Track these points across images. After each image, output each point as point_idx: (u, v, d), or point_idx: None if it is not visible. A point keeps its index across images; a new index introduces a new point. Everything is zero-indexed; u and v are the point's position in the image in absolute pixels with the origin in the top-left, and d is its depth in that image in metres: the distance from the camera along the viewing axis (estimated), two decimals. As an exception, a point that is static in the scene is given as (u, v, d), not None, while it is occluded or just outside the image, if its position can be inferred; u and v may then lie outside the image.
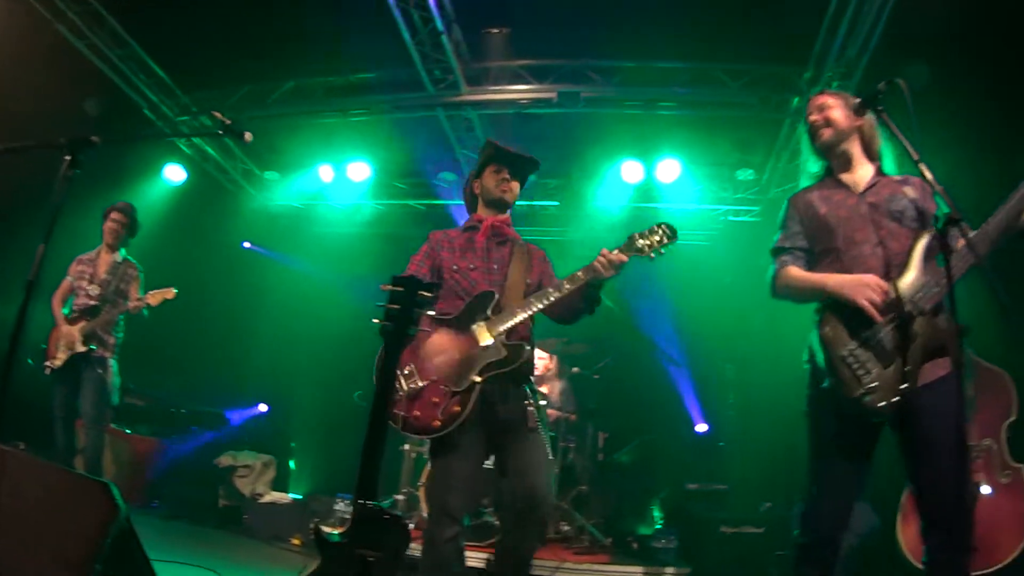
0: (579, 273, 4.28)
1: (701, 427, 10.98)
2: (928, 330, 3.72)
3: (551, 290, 4.33)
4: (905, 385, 3.66)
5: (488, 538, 7.11)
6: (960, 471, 3.65)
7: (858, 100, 3.94)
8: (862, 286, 3.81)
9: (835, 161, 4.32)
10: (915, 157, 3.47)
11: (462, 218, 4.91)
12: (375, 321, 3.25)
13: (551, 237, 11.46)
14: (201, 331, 10.77)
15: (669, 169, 10.14)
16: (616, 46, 8.71)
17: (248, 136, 4.85)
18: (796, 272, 4.16)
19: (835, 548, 3.84)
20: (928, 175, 3.46)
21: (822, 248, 4.17)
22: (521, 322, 4.36)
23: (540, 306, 4.34)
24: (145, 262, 7.55)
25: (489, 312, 4.37)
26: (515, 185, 4.79)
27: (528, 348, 4.38)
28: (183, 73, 9.67)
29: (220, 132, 4.84)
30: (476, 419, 4.20)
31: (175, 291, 7.04)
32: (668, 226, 4.34)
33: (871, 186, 4.17)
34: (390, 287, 3.28)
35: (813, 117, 4.33)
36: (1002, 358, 5.80)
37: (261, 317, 11.87)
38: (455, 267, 4.59)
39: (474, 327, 4.33)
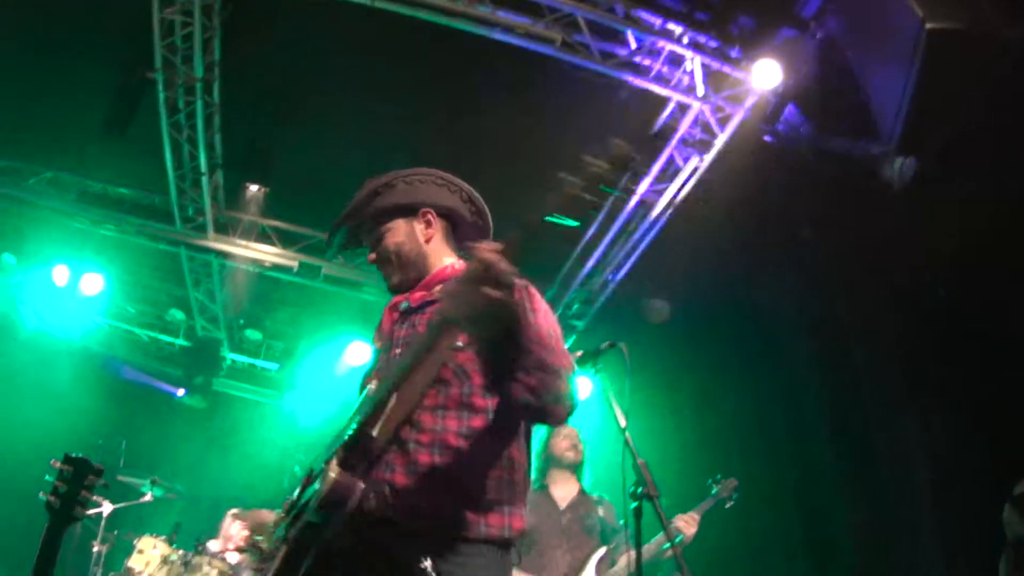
0: None
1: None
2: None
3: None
4: None
5: None
6: None
7: (580, 354, 4.29)
8: None
9: (556, 475, 5.65)
10: (623, 425, 3.89)
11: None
12: (42, 495, 3.14)
13: (268, 400, 11.45)
14: None
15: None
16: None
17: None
18: None
19: None
20: (631, 444, 3.81)
21: (526, 546, 5.27)
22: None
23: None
24: None
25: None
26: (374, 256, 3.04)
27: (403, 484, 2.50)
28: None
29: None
30: None
31: None
32: None
33: (573, 504, 5.52)
34: (60, 465, 3.15)
35: (569, 438, 5.71)
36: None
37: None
38: None
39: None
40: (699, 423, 8.02)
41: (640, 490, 3.64)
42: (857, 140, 6.47)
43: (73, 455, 3.16)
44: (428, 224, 2.92)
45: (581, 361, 4.25)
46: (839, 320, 7.49)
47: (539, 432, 5.84)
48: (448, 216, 2.99)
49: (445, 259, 2.94)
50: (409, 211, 2.93)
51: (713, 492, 5.56)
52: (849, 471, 7.41)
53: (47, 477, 3.14)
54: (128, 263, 10.41)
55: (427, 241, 2.91)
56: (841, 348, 7.51)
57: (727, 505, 5.57)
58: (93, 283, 10.49)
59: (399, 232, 2.92)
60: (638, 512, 3.68)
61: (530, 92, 7.29)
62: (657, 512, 3.69)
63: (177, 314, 10.97)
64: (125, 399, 11.15)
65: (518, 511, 2.54)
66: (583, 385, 9.76)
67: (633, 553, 5.22)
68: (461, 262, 2.92)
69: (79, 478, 3.15)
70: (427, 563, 2.35)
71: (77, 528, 7.39)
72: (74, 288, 10.59)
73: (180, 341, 11.16)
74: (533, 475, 5.66)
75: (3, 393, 10.64)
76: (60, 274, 10.55)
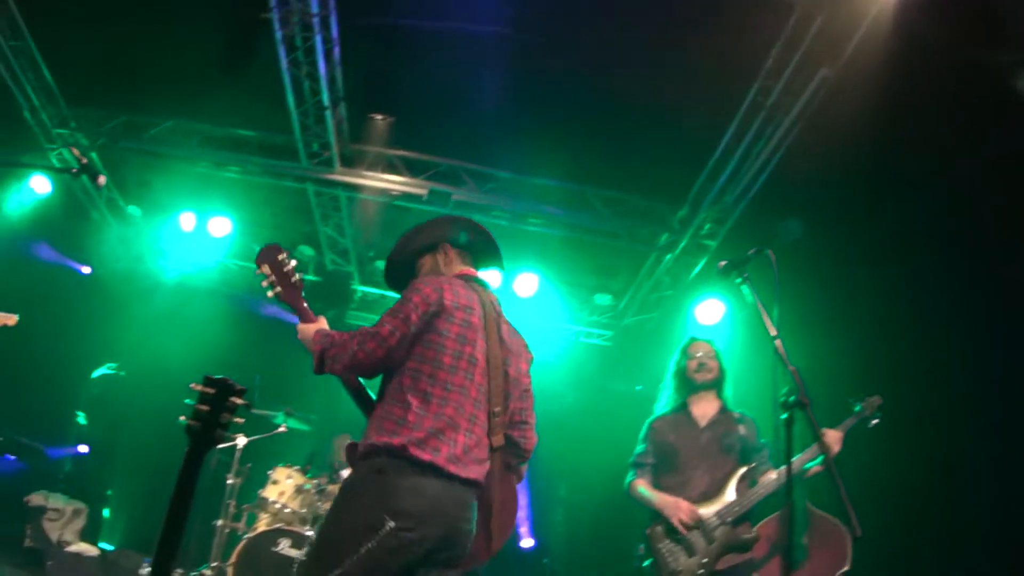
0: None
1: (527, 542, 11.05)
2: (726, 536, 5.08)
3: None
4: (702, 571, 4.99)
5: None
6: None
7: (724, 263, 4.15)
8: (676, 509, 5.16)
9: (694, 395, 5.57)
10: (773, 333, 3.72)
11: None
12: (182, 419, 3.10)
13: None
14: (29, 356, 9.87)
15: (527, 283, 10.24)
16: (495, 154, 9.03)
17: (102, 180, 4.89)
18: (642, 486, 5.46)
19: None
20: (782, 352, 3.64)
21: (666, 466, 5.46)
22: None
23: None
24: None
25: None
26: None
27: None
28: (70, 83, 9.35)
29: (74, 171, 4.90)
30: None
31: (16, 319, 5.73)
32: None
33: (713, 422, 5.48)
34: (200, 388, 3.07)
35: (698, 359, 5.60)
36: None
37: (95, 352, 11.48)
38: None
39: None
40: (836, 341, 7.75)
41: (792, 399, 3.47)
42: (989, 48, 6.12)
43: (214, 376, 3.09)
44: (445, 254, 3.94)
45: (725, 271, 4.10)
46: (980, 241, 7.28)
47: (672, 353, 5.79)
48: (462, 244, 3.98)
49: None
50: (432, 248, 3.95)
51: (856, 409, 5.36)
52: (989, 397, 7.25)
53: (186, 401, 3.11)
54: (253, 203, 10.60)
55: (446, 266, 3.91)
56: (984, 277, 7.30)
57: (871, 424, 5.35)
58: (221, 226, 10.68)
59: (427, 265, 3.95)
60: (789, 422, 3.51)
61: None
62: (810, 421, 3.51)
63: (306, 250, 11.04)
64: (259, 336, 11.38)
65: (400, 433, 3.34)
66: (713, 308, 9.68)
67: (774, 473, 5.13)
68: (470, 271, 3.92)
69: (220, 400, 3.07)
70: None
71: (212, 461, 7.66)
72: (202, 232, 10.80)
73: (310, 276, 11.20)
74: (671, 393, 5.60)
75: (142, 338, 11.11)
76: (187, 220, 10.81)
